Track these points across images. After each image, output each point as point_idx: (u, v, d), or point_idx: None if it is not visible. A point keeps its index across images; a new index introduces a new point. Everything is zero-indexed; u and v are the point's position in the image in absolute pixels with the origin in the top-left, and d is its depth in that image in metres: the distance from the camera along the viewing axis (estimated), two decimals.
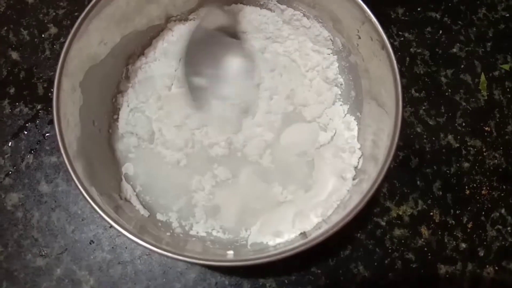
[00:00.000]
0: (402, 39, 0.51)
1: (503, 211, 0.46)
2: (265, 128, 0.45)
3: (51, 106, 0.48)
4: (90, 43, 0.40)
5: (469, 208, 0.46)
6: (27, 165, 0.47)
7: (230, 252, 0.41)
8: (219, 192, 0.43)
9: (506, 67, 0.50)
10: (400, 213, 0.46)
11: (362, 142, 0.44)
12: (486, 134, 0.48)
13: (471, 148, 0.48)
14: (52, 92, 0.49)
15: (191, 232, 0.42)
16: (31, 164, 0.47)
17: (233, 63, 0.45)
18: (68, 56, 0.38)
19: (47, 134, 0.48)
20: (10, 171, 0.47)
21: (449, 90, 0.50)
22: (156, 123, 0.45)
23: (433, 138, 0.48)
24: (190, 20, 0.48)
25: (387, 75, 0.38)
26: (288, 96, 0.46)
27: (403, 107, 0.36)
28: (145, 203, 0.43)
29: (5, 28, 0.51)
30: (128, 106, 0.45)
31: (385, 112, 0.39)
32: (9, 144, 0.48)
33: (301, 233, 0.41)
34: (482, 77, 0.50)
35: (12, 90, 0.49)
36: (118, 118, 0.45)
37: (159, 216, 0.43)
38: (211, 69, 0.44)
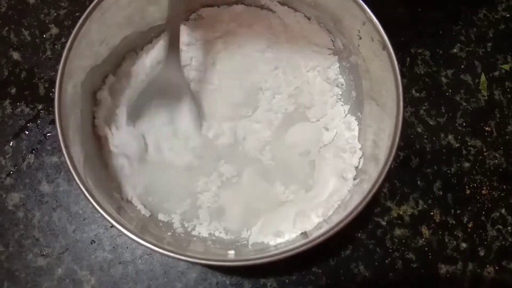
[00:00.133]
0: (403, 39, 0.51)
1: (503, 211, 0.46)
2: (264, 126, 0.45)
3: (52, 106, 0.48)
4: (92, 43, 0.40)
5: (469, 208, 0.46)
6: (28, 165, 0.47)
7: (231, 252, 0.41)
8: (224, 192, 0.43)
9: (506, 67, 0.50)
10: (401, 213, 0.46)
11: (363, 142, 0.44)
12: (486, 134, 0.49)
13: (472, 148, 0.48)
14: (53, 92, 0.49)
15: (193, 233, 0.43)
16: (32, 164, 0.47)
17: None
18: (70, 57, 0.37)
19: (48, 134, 0.48)
20: (11, 171, 0.47)
21: (450, 90, 0.50)
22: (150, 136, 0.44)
23: (434, 138, 0.48)
24: (191, 20, 0.48)
25: (388, 76, 0.38)
26: (290, 95, 0.46)
27: (404, 107, 0.36)
28: (147, 204, 0.43)
29: (6, 28, 0.51)
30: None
31: (386, 112, 0.39)
32: (10, 144, 0.48)
33: (302, 233, 0.41)
34: (483, 77, 0.50)
35: (13, 90, 0.49)
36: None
37: (160, 217, 0.43)
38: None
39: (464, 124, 0.49)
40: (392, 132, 0.36)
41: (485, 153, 0.48)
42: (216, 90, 0.46)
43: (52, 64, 0.50)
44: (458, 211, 0.46)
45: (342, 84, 0.46)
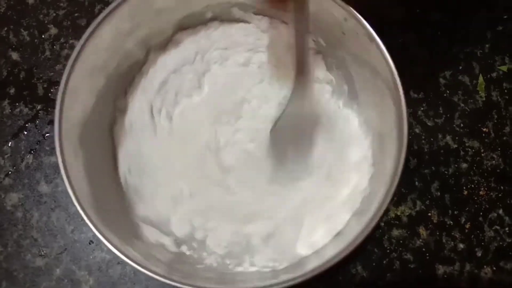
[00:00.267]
0: (401, 40, 0.51)
1: (500, 211, 0.46)
2: (248, 137, 0.45)
3: (51, 107, 0.49)
4: (77, 100, 0.39)
5: (467, 208, 0.46)
6: (27, 165, 0.47)
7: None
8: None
9: (504, 68, 0.51)
10: (399, 213, 0.46)
11: (365, 129, 0.43)
12: (484, 135, 0.49)
13: (469, 149, 0.48)
14: (52, 92, 0.49)
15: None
16: (31, 164, 0.47)
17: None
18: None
19: (47, 135, 0.48)
20: (10, 171, 0.47)
21: (448, 91, 0.50)
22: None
23: (432, 139, 0.48)
24: (169, 49, 0.46)
25: (380, 65, 0.37)
26: (280, 103, 0.45)
27: (404, 89, 0.36)
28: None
29: (5, 28, 0.51)
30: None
31: (384, 96, 0.39)
32: (9, 144, 0.48)
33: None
34: (480, 78, 0.50)
35: (12, 91, 0.50)
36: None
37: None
38: None
39: (462, 125, 0.49)
40: (396, 115, 0.36)
41: (482, 154, 0.48)
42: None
43: (51, 64, 0.50)
44: (455, 212, 0.46)
45: (331, 80, 0.46)
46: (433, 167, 0.47)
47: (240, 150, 0.45)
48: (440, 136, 0.48)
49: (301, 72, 0.41)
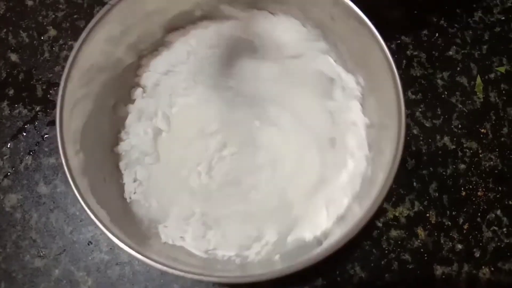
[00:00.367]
0: (399, 41, 0.51)
1: (498, 212, 0.46)
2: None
3: (50, 108, 0.49)
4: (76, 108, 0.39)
5: (465, 209, 0.47)
6: (26, 166, 0.47)
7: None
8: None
9: (502, 69, 0.51)
10: (397, 214, 0.46)
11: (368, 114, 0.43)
12: (482, 136, 0.49)
13: (467, 150, 0.48)
14: (51, 94, 0.49)
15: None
16: (30, 165, 0.47)
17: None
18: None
19: (45, 136, 0.48)
20: (9, 172, 0.47)
21: (446, 93, 0.50)
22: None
23: (430, 140, 0.48)
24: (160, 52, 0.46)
25: (373, 48, 0.38)
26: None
27: (399, 72, 0.37)
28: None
29: (5, 30, 0.51)
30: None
31: (379, 77, 0.39)
32: (8, 146, 0.48)
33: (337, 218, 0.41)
34: (478, 79, 0.50)
35: (11, 92, 0.50)
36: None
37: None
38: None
39: (459, 126, 0.49)
40: (393, 95, 0.36)
41: (480, 155, 0.48)
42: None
43: (50, 66, 0.50)
44: (453, 213, 0.46)
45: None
46: (431, 168, 0.48)
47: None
48: (438, 137, 0.49)
49: None
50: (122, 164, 0.43)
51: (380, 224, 0.46)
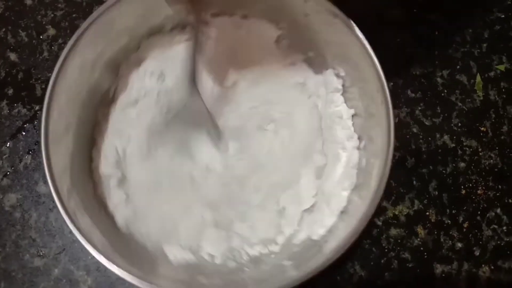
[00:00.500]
0: (399, 39, 0.51)
1: (498, 210, 0.46)
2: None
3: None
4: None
5: (465, 207, 0.46)
6: (25, 166, 0.47)
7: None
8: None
9: (502, 67, 0.51)
10: (396, 213, 0.46)
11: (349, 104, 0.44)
12: (481, 134, 0.49)
13: (467, 148, 0.48)
14: None
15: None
16: (29, 164, 0.47)
17: None
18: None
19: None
20: (8, 171, 0.47)
21: (445, 91, 0.50)
22: None
23: (429, 138, 0.48)
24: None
25: (349, 39, 0.38)
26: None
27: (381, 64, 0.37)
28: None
29: (4, 29, 0.51)
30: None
31: (359, 69, 0.39)
32: (7, 145, 0.48)
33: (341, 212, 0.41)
34: (478, 77, 0.50)
35: (10, 91, 0.50)
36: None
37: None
38: None
39: (459, 124, 0.49)
40: (376, 83, 0.37)
41: (480, 153, 0.48)
42: None
43: (49, 65, 0.50)
44: (453, 211, 0.46)
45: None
46: (431, 167, 0.48)
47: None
48: (438, 135, 0.48)
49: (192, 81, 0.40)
50: (105, 191, 0.42)
51: (379, 223, 0.46)
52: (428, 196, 0.47)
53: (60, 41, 0.51)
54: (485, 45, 0.51)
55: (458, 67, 0.51)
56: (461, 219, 0.46)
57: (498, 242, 0.46)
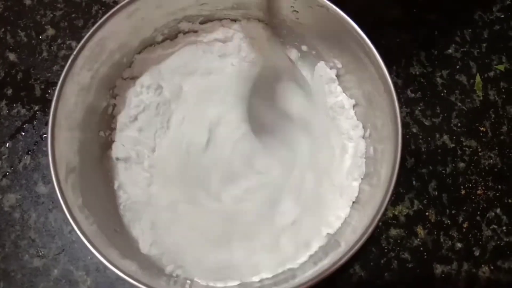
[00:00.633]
0: (398, 40, 0.51)
1: (498, 210, 0.46)
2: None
3: (49, 108, 0.49)
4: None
5: (464, 208, 0.46)
6: (25, 166, 0.47)
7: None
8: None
9: (501, 67, 0.51)
10: (396, 213, 0.46)
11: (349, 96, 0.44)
12: (481, 134, 0.49)
13: (467, 148, 0.48)
14: (49, 93, 0.49)
15: None
16: (29, 165, 0.47)
17: None
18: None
19: (44, 135, 0.48)
20: (8, 172, 0.47)
21: (445, 91, 0.50)
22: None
23: (429, 139, 0.48)
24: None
25: (342, 29, 0.38)
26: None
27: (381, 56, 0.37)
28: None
29: (3, 29, 0.51)
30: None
31: (356, 56, 0.39)
32: (7, 145, 0.48)
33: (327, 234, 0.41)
34: (478, 77, 0.50)
35: (9, 91, 0.50)
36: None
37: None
38: None
39: (459, 124, 0.49)
40: (376, 72, 0.36)
41: (480, 153, 0.48)
42: None
43: (48, 65, 0.50)
44: (453, 211, 0.46)
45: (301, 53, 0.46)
46: (430, 167, 0.48)
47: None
48: (437, 135, 0.48)
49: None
50: (126, 220, 0.42)
51: (379, 223, 0.46)
52: (428, 196, 0.47)
53: (59, 41, 0.51)
54: (484, 45, 0.51)
55: (457, 67, 0.51)
56: (460, 219, 0.46)
57: (498, 242, 0.46)
